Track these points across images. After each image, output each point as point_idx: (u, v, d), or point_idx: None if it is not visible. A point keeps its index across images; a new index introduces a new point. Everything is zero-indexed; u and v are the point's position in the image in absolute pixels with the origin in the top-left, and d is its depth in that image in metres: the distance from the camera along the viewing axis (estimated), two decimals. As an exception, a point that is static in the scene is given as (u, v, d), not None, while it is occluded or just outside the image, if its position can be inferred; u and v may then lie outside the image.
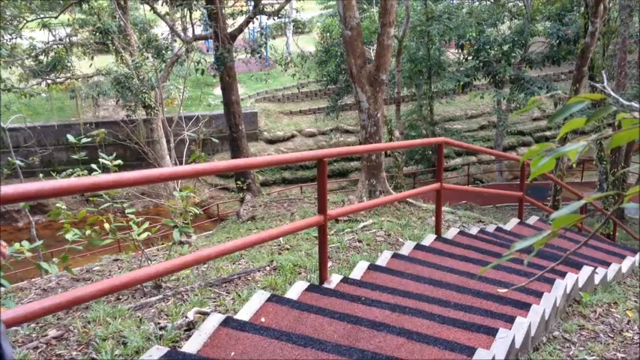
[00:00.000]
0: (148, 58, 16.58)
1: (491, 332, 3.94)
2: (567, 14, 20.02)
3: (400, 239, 7.13)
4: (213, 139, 10.22)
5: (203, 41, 20.02)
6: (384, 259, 5.94)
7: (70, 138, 5.77)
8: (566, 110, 1.00)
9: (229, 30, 15.66)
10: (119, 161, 5.42)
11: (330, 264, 5.96)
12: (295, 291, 4.55)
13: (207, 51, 21.28)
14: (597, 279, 6.35)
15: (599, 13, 13.21)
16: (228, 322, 3.68)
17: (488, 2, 22.88)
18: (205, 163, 4.09)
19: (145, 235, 5.25)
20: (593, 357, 4.46)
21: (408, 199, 9.11)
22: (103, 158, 5.48)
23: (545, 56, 20.43)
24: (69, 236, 4.84)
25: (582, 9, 17.25)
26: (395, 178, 13.81)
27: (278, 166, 23.36)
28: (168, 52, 17.62)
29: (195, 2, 14.60)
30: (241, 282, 5.46)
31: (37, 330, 4.28)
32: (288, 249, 6.94)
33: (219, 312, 4.45)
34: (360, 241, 6.99)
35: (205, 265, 5.96)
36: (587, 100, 0.97)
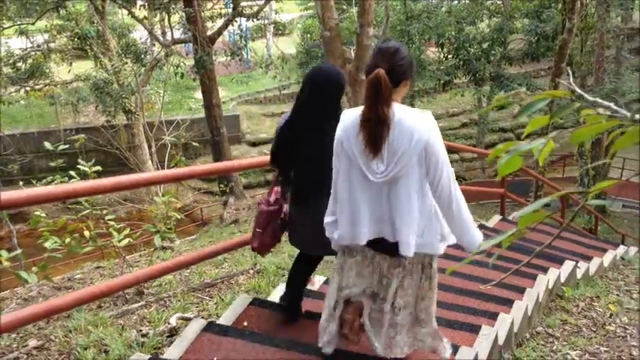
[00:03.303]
0: (127, 62, 16.47)
1: (475, 330, 3.94)
2: (545, 11, 20.17)
3: (383, 239, 7.12)
4: (193, 143, 10.17)
5: (182, 45, 19.93)
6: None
7: (47, 145, 5.72)
8: (530, 108, 1.00)
9: (209, 33, 15.63)
10: (98, 167, 5.35)
11: (313, 265, 5.94)
12: (278, 294, 4.53)
13: (187, 55, 21.20)
14: (579, 273, 6.39)
15: (576, 10, 13.35)
16: (210, 328, 3.66)
17: (466, 1, 22.99)
18: (183, 168, 4.07)
19: (125, 242, 5.20)
20: (577, 351, 4.49)
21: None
22: (81, 165, 5.42)
23: (525, 53, 20.57)
24: (48, 244, 4.80)
25: (560, 5, 17.39)
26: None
27: (261, 169, 23.28)
28: (147, 57, 17.52)
29: (173, 6, 14.53)
30: (225, 286, 5.43)
31: (17, 340, 4.22)
32: (271, 251, 6.91)
33: (202, 317, 4.43)
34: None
35: (188, 270, 5.92)
36: (550, 97, 0.97)
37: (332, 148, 2.97)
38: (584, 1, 15.35)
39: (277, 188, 3.79)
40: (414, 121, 2.73)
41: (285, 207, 3.74)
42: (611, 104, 0.95)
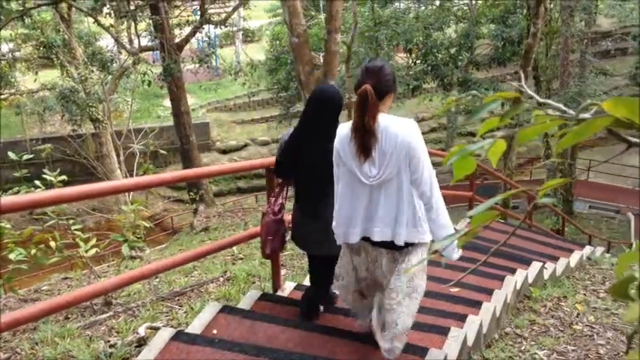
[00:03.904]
0: (93, 71, 16.28)
1: (444, 332, 3.98)
2: (510, 16, 20.41)
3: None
4: (161, 151, 10.08)
5: (150, 52, 19.78)
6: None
7: (12, 155, 5.63)
8: (482, 109, 1.02)
9: (176, 40, 15.54)
10: (63, 177, 5.28)
11: (284, 272, 5.94)
12: (248, 301, 4.51)
13: (154, 62, 21.03)
14: (546, 274, 6.47)
15: (541, 14, 13.54)
16: (178, 336, 3.62)
17: (433, 6, 23.17)
18: (149, 176, 4.05)
19: (92, 252, 5.14)
20: (545, 351, 4.55)
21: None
22: (47, 174, 5.34)
23: (491, 58, 20.77)
24: (13, 256, 4.71)
25: (525, 11, 17.65)
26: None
27: (232, 176, 23.19)
28: (114, 65, 17.33)
29: (139, 14, 14.41)
30: (194, 294, 5.40)
31: (-19, 354, 4.14)
32: (242, 259, 6.90)
33: (172, 326, 4.39)
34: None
35: (157, 279, 5.87)
36: (501, 99, 0.99)
37: (331, 158, 3.40)
38: (548, 6, 15.59)
39: (280, 200, 4.24)
40: (398, 128, 3.14)
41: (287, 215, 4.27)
42: (560, 105, 0.97)
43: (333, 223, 3.44)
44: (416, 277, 3.39)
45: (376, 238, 3.27)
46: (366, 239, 3.37)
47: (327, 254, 3.92)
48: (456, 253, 3.40)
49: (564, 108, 0.96)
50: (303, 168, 3.90)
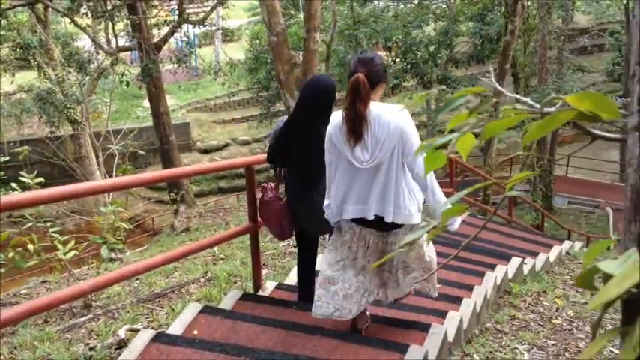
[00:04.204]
0: (70, 72, 16.12)
1: (425, 328, 3.99)
2: (489, 14, 20.53)
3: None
4: (141, 152, 10.01)
5: (128, 53, 19.63)
6: (318, 262, 5.94)
7: (-13, 158, 5.58)
8: (449, 104, 1.03)
9: (154, 40, 15.45)
10: (41, 179, 5.24)
11: (265, 271, 5.93)
12: (229, 301, 4.50)
13: (132, 62, 20.89)
14: (526, 269, 6.53)
15: (518, 12, 13.64)
16: (159, 337, 3.61)
17: (412, 5, 23.25)
18: (128, 176, 4.02)
19: (71, 254, 5.09)
20: (525, 345, 4.59)
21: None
22: (23, 177, 5.29)
23: (470, 56, 20.89)
24: (-11, 259, 4.67)
25: (502, 8, 17.75)
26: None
27: (213, 176, 23.09)
28: (92, 65, 17.17)
29: (117, 14, 14.30)
30: (175, 295, 5.37)
31: (-41, 360, 4.10)
32: (223, 259, 6.88)
33: (152, 327, 4.37)
34: (295, 247, 6.98)
35: (137, 281, 5.83)
36: (469, 94, 1.00)
37: (324, 147, 3.54)
38: (525, 4, 15.70)
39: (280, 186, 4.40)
40: (391, 115, 3.33)
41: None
42: (528, 99, 0.98)
43: (326, 203, 3.60)
44: (402, 256, 3.67)
45: (369, 216, 3.43)
46: (357, 221, 3.52)
47: (318, 233, 4.21)
48: (457, 223, 3.61)
49: (531, 102, 0.97)
50: (296, 156, 4.04)
